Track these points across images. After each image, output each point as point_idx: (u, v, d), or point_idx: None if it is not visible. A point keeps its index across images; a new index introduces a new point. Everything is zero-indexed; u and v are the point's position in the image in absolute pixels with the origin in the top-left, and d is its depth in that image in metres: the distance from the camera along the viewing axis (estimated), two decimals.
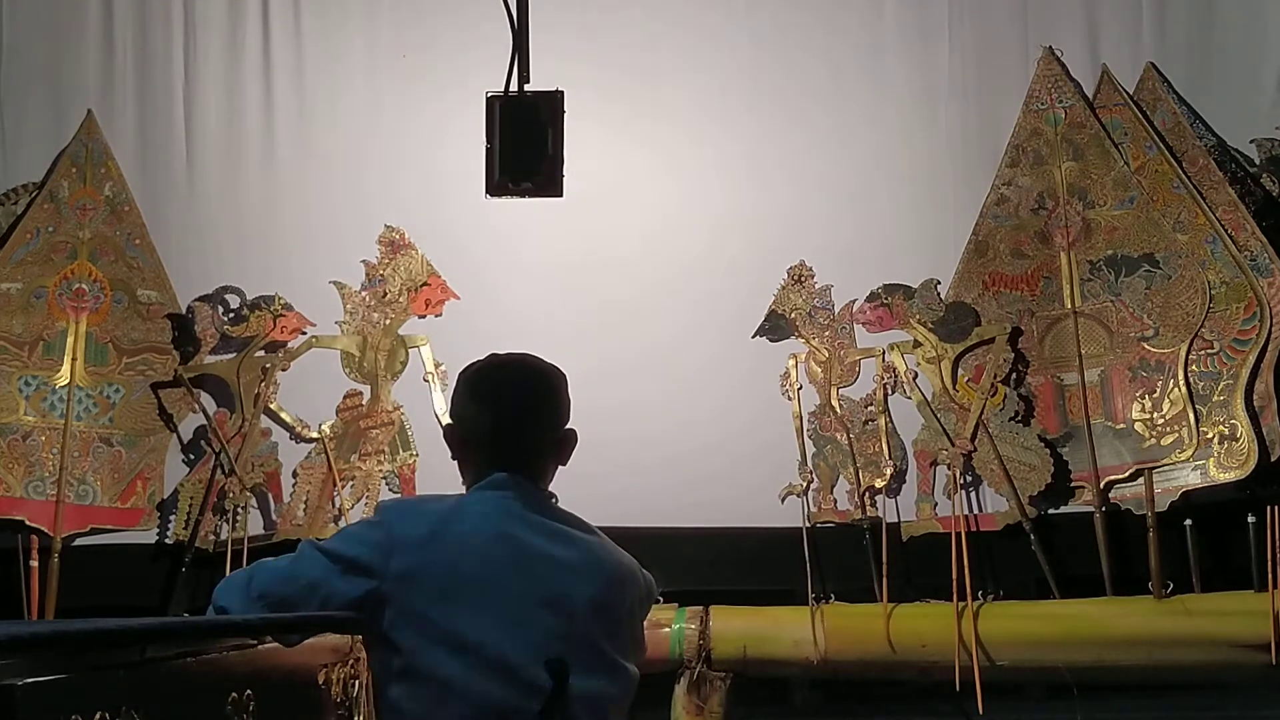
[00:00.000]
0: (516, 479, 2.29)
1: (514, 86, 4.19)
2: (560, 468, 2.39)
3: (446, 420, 2.39)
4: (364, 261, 5.00)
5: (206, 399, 4.88)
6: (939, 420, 4.76)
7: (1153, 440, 4.58)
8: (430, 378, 4.89)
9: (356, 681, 3.46)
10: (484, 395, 2.34)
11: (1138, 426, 4.60)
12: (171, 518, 4.80)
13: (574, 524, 2.33)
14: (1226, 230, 4.61)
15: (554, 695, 2.04)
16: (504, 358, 2.39)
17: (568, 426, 2.38)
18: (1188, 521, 4.32)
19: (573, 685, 2.08)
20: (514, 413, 2.32)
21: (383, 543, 2.19)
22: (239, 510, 4.70)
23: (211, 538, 4.72)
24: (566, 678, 2.04)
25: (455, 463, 2.38)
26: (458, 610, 2.15)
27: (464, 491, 2.35)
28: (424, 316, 4.98)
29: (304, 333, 4.96)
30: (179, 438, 4.88)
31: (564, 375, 2.38)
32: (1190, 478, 4.51)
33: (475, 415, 2.33)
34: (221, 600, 2.23)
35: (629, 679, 2.29)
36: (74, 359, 4.80)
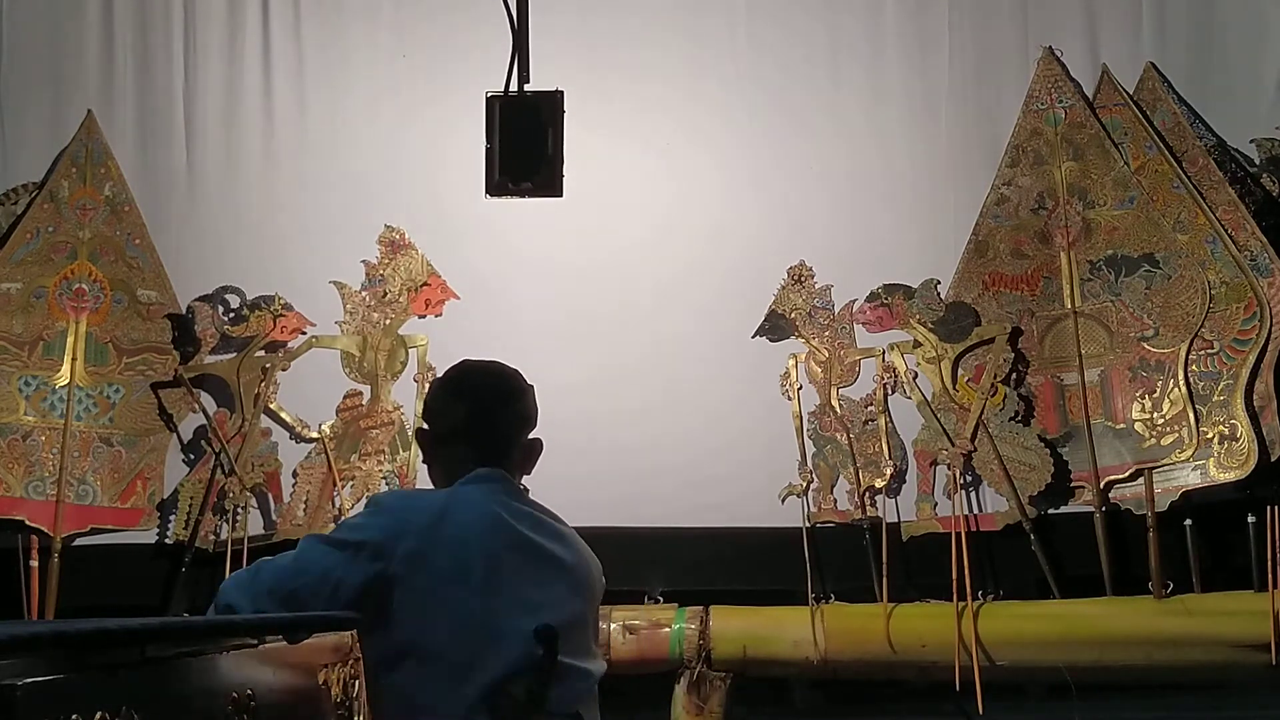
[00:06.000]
0: (498, 473, 2.35)
1: (514, 87, 4.20)
2: (526, 477, 2.45)
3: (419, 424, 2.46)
4: (364, 261, 5.01)
5: (206, 399, 4.88)
6: (939, 420, 4.76)
7: (1153, 440, 4.58)
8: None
9: (356, 681, 3.45)
10: (457, 389, 2.44)
11: (1138, 426, 4.60)
12: (171, 518, 4.80)
13: (552, 516, 2.41)
14: (1226, 230, 4.61)
15: (544, 661, 2.09)
16: (473, 362, 2.49)
17: (533, 435, 2.43)
18: (1188, 521, 4.33)
19: (570, 660, 2.14)
20: (487, 402, 2.40)
21: (391, 526, 2.24)
22: (239, 510, 4.70)
23: (211, 538, 4.73)
24: (556, 644, 2.10)
25: (429, 467, 2.44)
26: (466, 591, 2.20)
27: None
28: (424, 316, 4.98)
29: (304, 333, 4.96)
30: (179, 438, 4.88)
31: (531, 385, 2.44)
32: (1190, 478, 4.51)
33: (449, 409, 2.41)
34: (228, 598, 2.24)
35: (602, 663, 2.40)
36: (74, 359, 4.80)
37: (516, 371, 2.47)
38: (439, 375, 2.55)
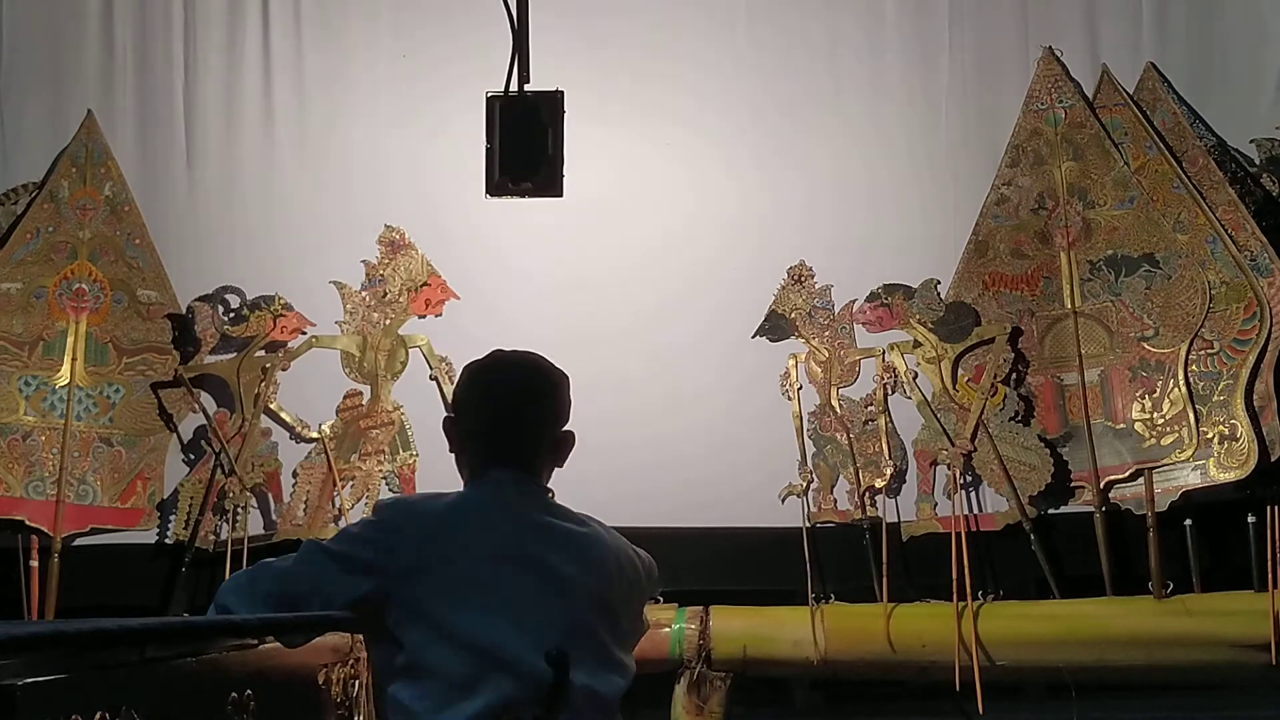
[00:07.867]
0: (514, 474, 2.29)
1: (514, 86, 4.20)
2: (557, 469, 2.40)
3: (448, 414, 2.40)
4: (364, 261, 5.00)
5: (206, 399, 4.88)
6: (939, 420, 4.75)
7: (1153, 440, 4.58)
8: (437, 375, 4.88)
9: (356, 681, 3.46)
10: (484, 387, 2.36)
11: (1138, 426, 4.60)
12: (171, 518, 4.80)
13: (570, 518, 2.34)
14: (1226, 230, 4.61)
15: (555, 686, 2.04)
16: (507, 354, 2.42)
17: (566, 428, 2.39)
18: (1188, 521, 4.32)
19: (576, 680, 2.08)
20: (512, 405, 2.33)
21: (385, 541, 2.20)
22: (239, 510, 4.70)
23: (211, 538, 4.72)
24: (567, 668, 2.05)
25: (453, 457, 2.39)
26: (462, 606, 2.16)
27: (462, 488, 2.36)
28: (424, 316, 4.98)
29: (304, 333, 4.96)
30: (179, 438, 4.88)
31: (566, 376, 2.39)
32: (1190, 478, 4.51)
33: (474, 407, 2.35)
34: (225, 600, 2.23)
35: (628, 672, 2.31)
36: (74, 359, 4.80)
37: (551, 366, 2.39)
38: (470, 364, 2.45)
